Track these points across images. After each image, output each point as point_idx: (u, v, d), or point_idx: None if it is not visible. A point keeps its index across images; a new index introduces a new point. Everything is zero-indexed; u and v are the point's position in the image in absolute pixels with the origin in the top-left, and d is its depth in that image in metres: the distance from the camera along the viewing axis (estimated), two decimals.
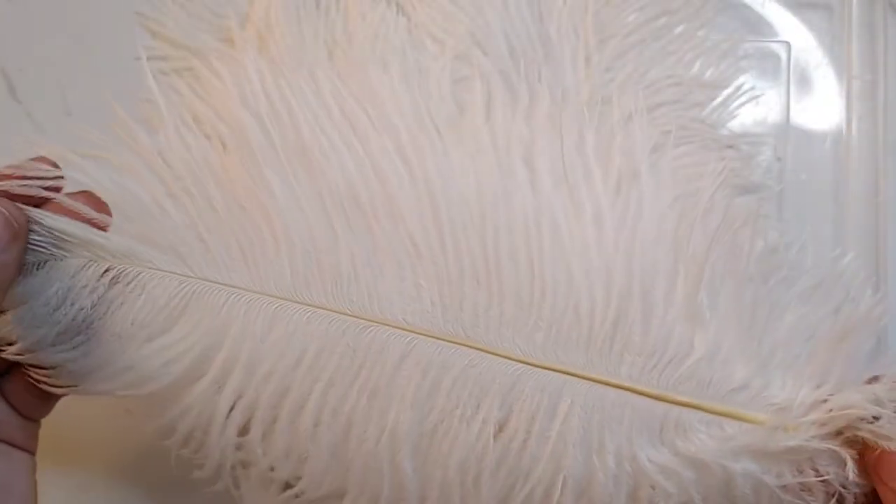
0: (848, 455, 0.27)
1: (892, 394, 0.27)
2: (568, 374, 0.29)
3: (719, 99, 0.36)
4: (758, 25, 0.39)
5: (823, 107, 0.38)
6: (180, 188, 0.31)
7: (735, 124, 0.37)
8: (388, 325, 0.29)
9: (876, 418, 0.27)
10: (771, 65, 0.39)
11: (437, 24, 0.35)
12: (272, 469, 0.31)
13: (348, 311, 0.30)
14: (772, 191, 0.36)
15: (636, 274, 0.29)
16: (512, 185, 0.30)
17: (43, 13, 0.41)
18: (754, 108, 0.37)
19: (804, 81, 0.39)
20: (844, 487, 0.27)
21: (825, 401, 0.28)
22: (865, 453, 0.27)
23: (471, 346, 0.29)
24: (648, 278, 0.29)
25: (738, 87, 0.37)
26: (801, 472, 0.27)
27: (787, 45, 0.39)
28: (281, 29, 0.36)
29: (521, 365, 0.29)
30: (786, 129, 0.38)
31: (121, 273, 0.30)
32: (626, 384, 0.29)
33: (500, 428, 0.29)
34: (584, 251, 0.29)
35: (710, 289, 0.29)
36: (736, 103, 0.36)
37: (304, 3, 0.36)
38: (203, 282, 0.30)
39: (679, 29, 0.37)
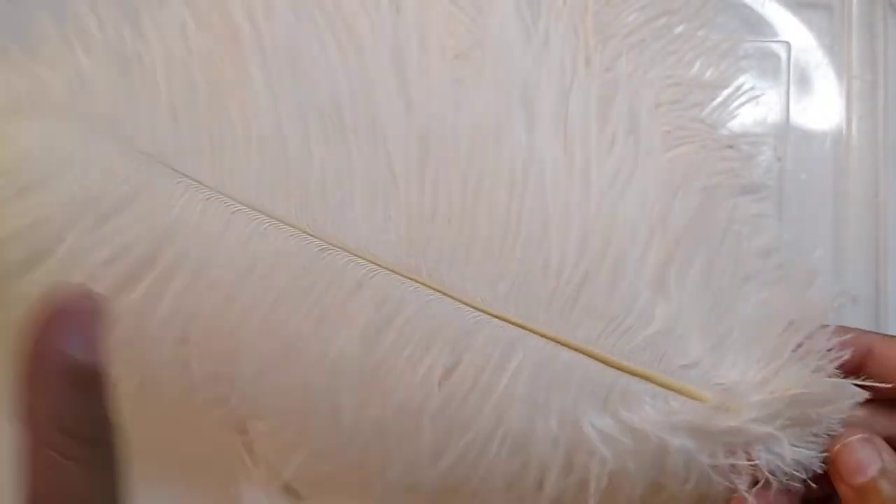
0: (785, 439, 0.27)
1: (839, 388, 0.28)
2: (524, 328, 0.28)
3: (719, 99, 0.36)
4: (758, 25, 0.39)
5: (823, 107, 0.38)
6: (166, 66, 0.30)
7: (735, 124, 0.36)
8: (348, 251, 0.28)
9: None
10: (771, 65, 0.39)
11: (437, 23, 0.35)
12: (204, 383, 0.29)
13: (309, 230, 0.29)
14: (771, 191, 0.36)
15: (612, 238, 0.29)
16: (507, 126, 0.29)
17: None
18: (754, 108, 0.37)
19: (804, 81, 0.39)
20: (773, 473, 0.27)
21: (768, 383, 0.28)
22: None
23: (430, 287, 0.28)
24: (623, 245, 0.29)
25: (738, 87, 0.37)
26: (733, 453, 0.28)
27: (787, 44, 0.39)
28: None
29: (478, 313, 0.28)
30: (786, 129, 0.38)
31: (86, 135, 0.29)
32: (581, 346, 0.28)
33: (447, 374, 0.28)
34: (566, 208, 0.29)
35: (681, 264, 0.29)
36: (736, 103, 0.36)
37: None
38: (165, 167, 0.29)
39: (679, 29, 0.37)
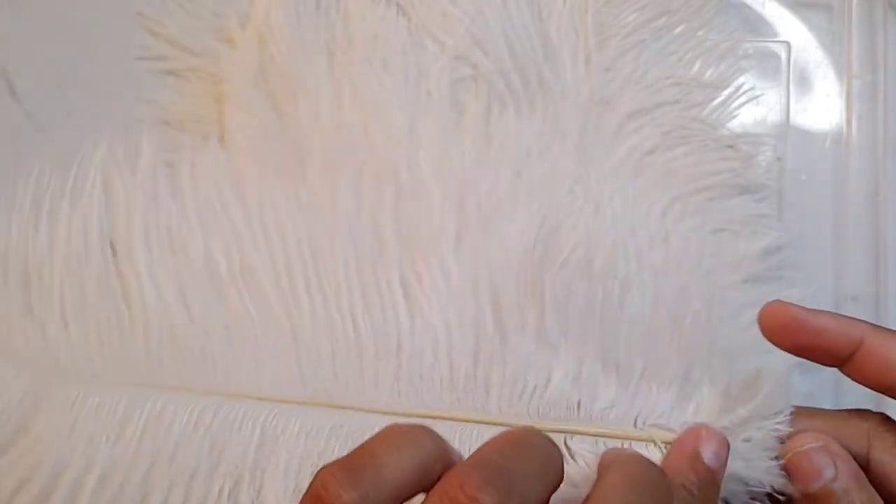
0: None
1: (761, 376, 0.28)
2: (436, 418, 0.29)
3: (719, 99, 0.36)
4: (758, 25, 0.39)
5: (823, 107, 0.38)
6: (57, 273, 0.31)
7: (735, 124, 0.36)
8: (246, 397, 0.29)
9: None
10: (771, 65, 0.39)
11: (437, 24, 0.35)
12: None
13: (203, 391, 0.29)
14: (771, 191, 0.36)
15: (485, 308, 0.30)
16: (360, 245, 0.31)
17: (43, 13, 0.41)
18: (754, 107, 0.37)
19: (804, 81, 0.39)
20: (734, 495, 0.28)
21: (688, 403, 0.29)
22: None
23: (335, 406, 0.29)
24: (497, 311, 0.30)
25: (738, 87, 0.37)
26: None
27: (787, 44, 0.39)
28: (281, 29, 0.36)
29: (390, 416, 0.29)
30: (786, 129, 0.38)
31: None
32: (497, 419, 0.29)
33: None
34: (434, 295, 0.30)
35: (558, 312, 0.30)
36: (736, 103, 0.36)
37: (304, 3, 0.36)
38: (58, 372, 0.30)
39: (679, 29, 0.37)
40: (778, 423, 0.28)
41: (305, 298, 0.31)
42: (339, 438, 0.29)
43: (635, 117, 0.35)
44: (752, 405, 0.28)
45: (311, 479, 0.24)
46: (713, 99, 0.36)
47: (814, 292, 0.34)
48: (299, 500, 0.25)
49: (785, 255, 0.35)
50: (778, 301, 0.29)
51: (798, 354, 0.29)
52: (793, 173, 0.38)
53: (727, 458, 0.27)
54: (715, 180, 0.35)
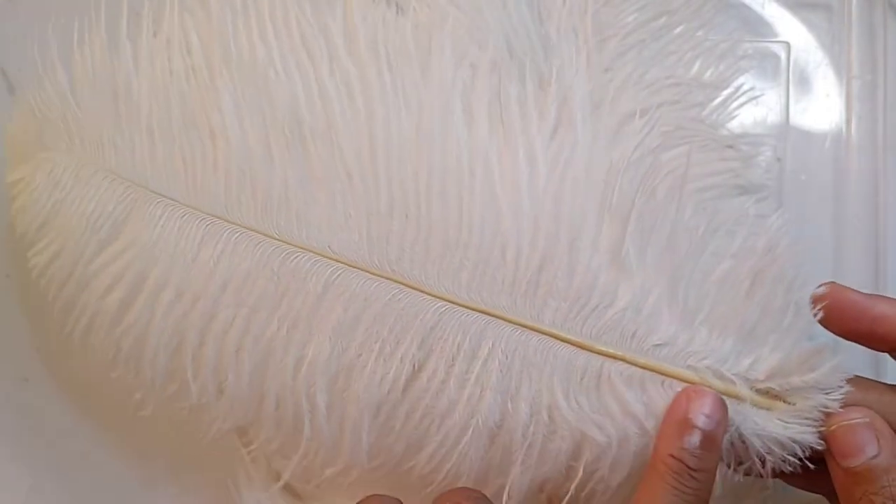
0: (773, 416, 0.27)
1: (820, 352, 0.28)
2: (491, 315, 0.29)
3: (719, 99, 0.36)
4: (757, 26, 0.39)
5: (823, 107, 0.38)
6: (144, 92, 0.32)
7: (734, 124, 0.36)
8: (313, 252, 0.30)
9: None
10: (770, 65, 0.39)
11: (437, 23, 0.35)
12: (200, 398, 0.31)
13: (275, 235, 0.30)
14: (771, 191, 0.36)
15: (564, 219, 0.29)
16: (449, 124, 0.30)
17: (43, 13, 0.41)
18: (754, 108, 0.37)
19: (804, 81, 0.39)
20: (767, 452, 0.28)
21: (743, 357, 0.28)
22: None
23: (395, 281, 0.29)
24: (576, 224, 0.29)
25: (738, 88, 0.37)
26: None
27: (787, 45, 0.39)
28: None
29: (444, 303, 0.29)
30: (785, 130, 0.38)
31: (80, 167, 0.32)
32: (549, 330, 0.29)
33: (419, 368, 0.29)
34: (515, 193, 0.30)
35: (637, 239, 0.29)
36: (735, 103, 0.36)
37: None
38: (146, 190, 0.31)
39: (678, 29, 0.37)
40: (830, 399, 0.28)
41: (383, 170, 0.30)
42: (395, 312, 0.29)
43: (635, 117, 0.35)
44: (807, 378, 0.28)
45: (358, 347, 0.28)
46: (713, 99, 0.36)
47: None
48: (339, 363, 0.29)
49: (785, 255, 0.35)
50: (833, 283, 0.29)
51: (851, 339, 0.29)
52: (792, 173, 0.38)
53: (724, 417, 0.27)
54: (714, 180, 0.35)
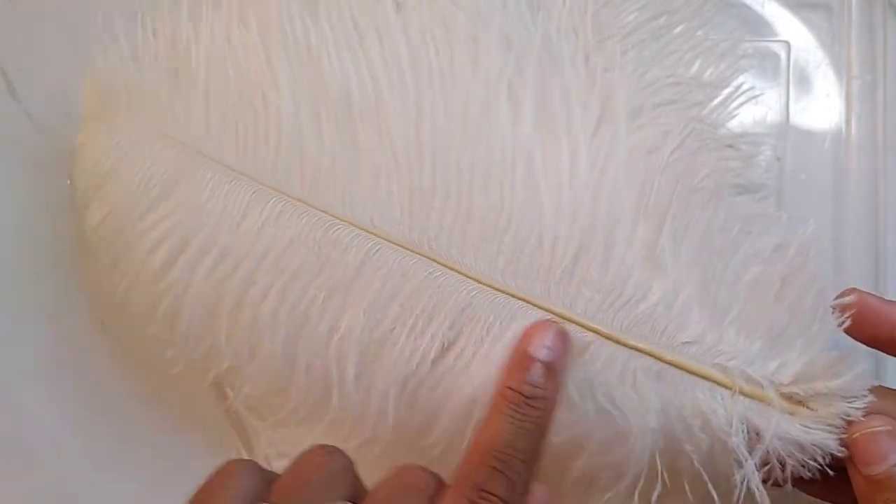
0: (796, 420, 0.27)
1: (846, 360, 0.28)
2: (524, 300, 0.29)
3: (719, 98, 0.36)
4: (757, 25, 0.39)
5: (823, 106, 0.38)
6: (207, 63, 0.33)
7: (734, 124, 0.36)
8: (355, 225, 0.30)
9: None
10: (770, 64, 0.39)
11: (437, 23, 0.35)
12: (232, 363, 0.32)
13: (319, 207, 0.31)
14: (771, 190, 0.36)
15: (602, 213, 0.30)
16: (495, 116, 0.31)
17: (43, 13, 0.41)
18: (754, 107, 0.37)
19: (804, 81, 0.39)
20: (788, 456, 0.27)
21: (770, 360, 0.28)
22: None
23: (432, 259, 0.30)
24: (613, 219, 0.30)
25: (738, 87, 0.37)
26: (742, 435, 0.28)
27: (787, 44, 0.39)
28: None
29: (478, 285, 0.29)
30: (785, 129, 0.38)
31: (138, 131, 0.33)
32: (581, 319, 0.29)
33: (448, 346, 0.29)
34: (556, 186, 0.30)
35: (673, 237, 0.30)
36: (735, 103, 0.36)
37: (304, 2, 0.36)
38: (199, 154, 0.32)
39: (678, 29, 0.37)
40: (852, 407, 0.28)
41: (428, 152, 0.31)
42: (430, 289, 0.29)
43: (635, 117, 0.35)
44: (832, 384, 0.28)
45: (391, 321, 0.29)
46: (713, 98, 0.36)
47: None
48: (371, 335, 0.30)
49: (785, 255, 0.35)
50: (854, 289, 0.29)
51: (870, 345, 0.29)
52: (792, 173, 0.38)
53: (565, 348, 0.28)
54: (714, 180, 0.35)
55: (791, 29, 0.39)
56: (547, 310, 0.29)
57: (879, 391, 0.28)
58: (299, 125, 0.32)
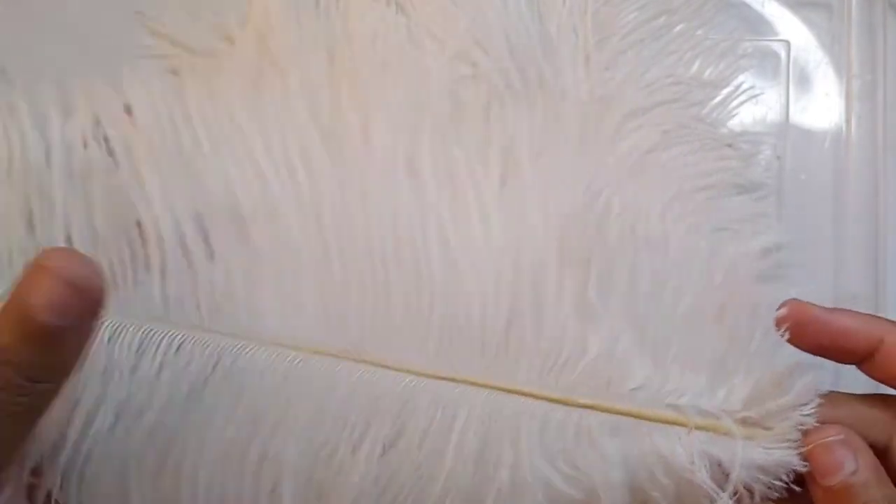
0: (755, 444, 0.27)
1: (794, 373, 0.28)
2: (464, 382, 0.28)
3: (719, 98, 0.36)
4: (757, 24, 0.39)
5: (823, 106, 0.38)
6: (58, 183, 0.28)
7: (734, 123, 0.36)
8: (265, 343, 0.27)
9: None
10: (770, 64, 0.39)
11: (437, 23, 0.35)
12: None
13: (221, 331, 0.27)
14: (771, 190, 0.36)
15: (525, 272, 0.29)
16: (396, 191, 0.30)
17: (43, 13, 0.41)
18: (754, 106, 0.37)
19: (804, 80, 0.39)
20: (753, 480, 0.27)
21: (718, 389, 0.28)
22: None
23: (358, 361, 0.28)
24: (538, 276, 0.29)
25: (738, 86, 0.37)
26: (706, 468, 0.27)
27: (787, 44, 0.39)
28: (280, 28, 0.36)
29: (413, 377, 0.28)
30: (785, 129, 0.38)
31: None
32: (525, 389, 0.28)
33: (390, 445, 0.27)
34: (472, 252, 0.29)
35: (599, 285, 0.29)
36: (735, 102, 0.36)
37: (304, 2, 0.36)
38: None
39: (678, 28, 0.37)
40: (804, 416, 0.27)
41: (333, 245, 0.29)
42: (362, 394, 0.27)
43: (635, 116, 0.35)
44: (782, 401, 0.27)
45: (325, 437, 0.26)
46: (713, 98, 0.36)
47: (813, 291, 0.34)
48: (306, 456, 0.26)
49: (784, 255, 0.35)
50: (795, 300, 0.29)
51: (817, 354, 0.29)
52: (792, 172, 0.38)
53: (80, 310, 0.21)
54: (714, 179, 0.35)
55: (791, 28, 0.39)
56: (489, 387, 0.28)
57: (833, 398, 0.28)
58: (181, 240, 0.28)
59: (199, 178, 0.29)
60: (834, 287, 0.37)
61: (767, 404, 0.28)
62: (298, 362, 0.28)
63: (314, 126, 0.30)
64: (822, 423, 0.27)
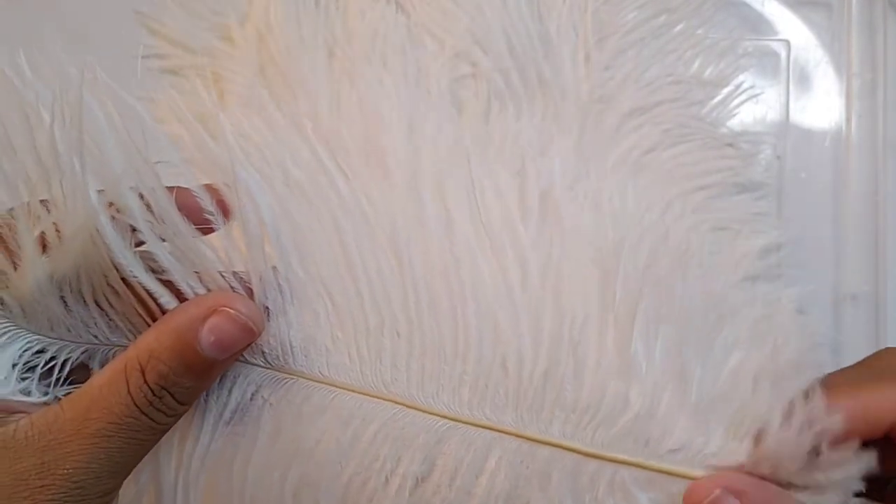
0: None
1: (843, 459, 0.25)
2: (495, 430, 0.27)
3: (719, 97, 0.36)
4: (757, 24, 0.39)
5: (823, 105, 0.38)
6: None
7: (735, 122, 0.36)
8: (302, 377, 0.28)
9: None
10: (770, 63, 0.39)
11: (437, 22, 0.35)
12: None
13: (262, 364, 0.28)
14: (771, 189, 0.36)
15: (565, 320, 0.27)
16: (428, 228, 0.29)
17: (43, 13, 0.41)
18: (754, 106, 0.37)
19: (804, 80, 0.39)
20: None
21: (762, 459, 0.26)
22: None
23: (391, 401, 0.28)
24: (577, 327, 0.27)
25: (738, 86, 0.37)
26: None
27: (787, 43, 0.39)
28: (280, 27, 0.36)
29: (446, 421, 0.27)
30: (785, 128, 0.38)
31: None
32: (559, 442, 0.27)
33: (421, 480, 0.27)
34: (509, 298, 0.28)
35: (645, 336, 0.27)
36: (735, 101, 0.36)
37: (304, 1, 0.36)
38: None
39: (678, 27, 0.37)
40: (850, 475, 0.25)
41: (365, 288, 0.28)
42: (394, 432, 0.27)
43: (635, 115, 0.35)
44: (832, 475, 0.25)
45: (357, 467, 0.26)
46: (713, 97, 0.36)
47: (814, 291, 0.34)
48: (347, 487, 0.27)
49: (784, 254, 0.35)
50: (835, 405, 0.25)
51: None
52: (792, 172, 0.38)
53: (241, 343, 0.25)
54: (714, 178, 0.35)
55: (791, 27, 0.39)
56: (522, 437, 0.27)
57: (833, 388, 0.26)
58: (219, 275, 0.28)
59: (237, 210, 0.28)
60: (833, 286, 0.37)
61: (818, 477, 0.25)
62: (333, 398, 0.28)
63: (339, 159, 0.30)
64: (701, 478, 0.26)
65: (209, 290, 0.26)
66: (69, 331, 0.26)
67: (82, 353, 0.26)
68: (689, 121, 0.35)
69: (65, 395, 0.24)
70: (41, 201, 0.24)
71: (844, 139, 0.38)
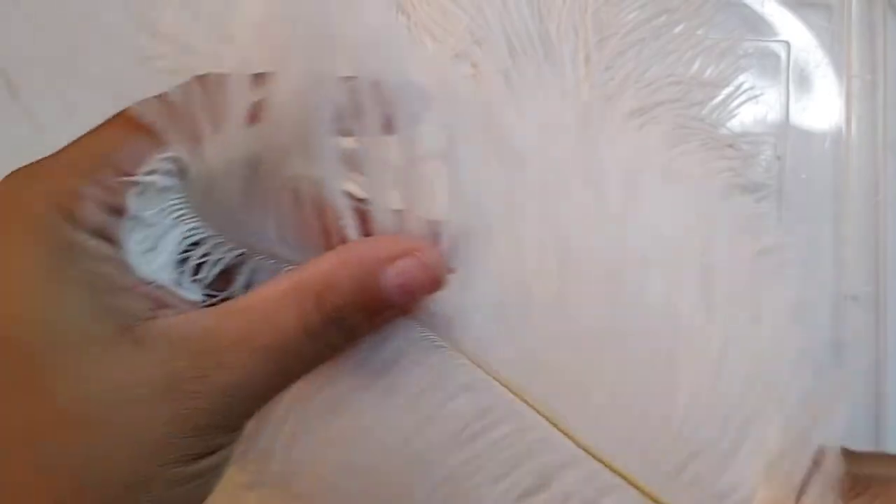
0: None
1: None
2: (625, 478, 0.26)
3: (719, 98, 0.36)
4: (757, 24, 0.39)
5: (823, 106, 0.38)
6: None
7: (735, 123, 0.37)
8: (461, 353, 0.27)
9: None
10: (770, 64, 0.39)
11: (437, 22, 0.35)
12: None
13: (423, 325, 0.26)
14: (771, 190, 0.36)
15: (743, 410, 0.27)
16: (641, 275, 0.28)
17: (43, 13, 0.41)
18: (754, 107, 0.37)
19: (804, 80, 0.39)
20: None
21: None
22: None
23: (537, 410, 0.27)
24: (750, 416, 0.27)
25: (738, 86, 0.37)
26: None
27: (787, 44, 0.39)
28: (280, 27, 0.36)
29: (581, 451, 0.26)
30: (785, 129, 0.38)
31: None
32: None
33: (528, 494, 0.26)
34: (700, 368, 0.27)
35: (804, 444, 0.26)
36: (735, 102, 0.36)
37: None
38: None
39: (678, 28, 0.37)
40: None
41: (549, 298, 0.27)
42: (517, 442, 0.26)
43: (635, 116, 0.35)
44: None
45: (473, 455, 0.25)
46: (713, 98, 0.36)
47: (814, 292, 0.34)
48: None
49: (784, 255, 0.35)
50: None
51: None
52: (793, 172, 0.38)
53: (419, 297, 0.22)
54: (714, 179, 0.35)
55: (791, 28, 0.39)
56: (646, 494, 0.26)
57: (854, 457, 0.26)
58: None
59: None
60: (834, 287, 0.37)
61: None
62: (477, 382, 0.26)
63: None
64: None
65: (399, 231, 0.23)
66: (238, 226, 0.24)
67: (236, 256, 0.24)
68: (690, 121, 0.35)
69: (220, 301, 0.22)
70: (257, 75, 0.22)
71: (844, 140, 0.38)
